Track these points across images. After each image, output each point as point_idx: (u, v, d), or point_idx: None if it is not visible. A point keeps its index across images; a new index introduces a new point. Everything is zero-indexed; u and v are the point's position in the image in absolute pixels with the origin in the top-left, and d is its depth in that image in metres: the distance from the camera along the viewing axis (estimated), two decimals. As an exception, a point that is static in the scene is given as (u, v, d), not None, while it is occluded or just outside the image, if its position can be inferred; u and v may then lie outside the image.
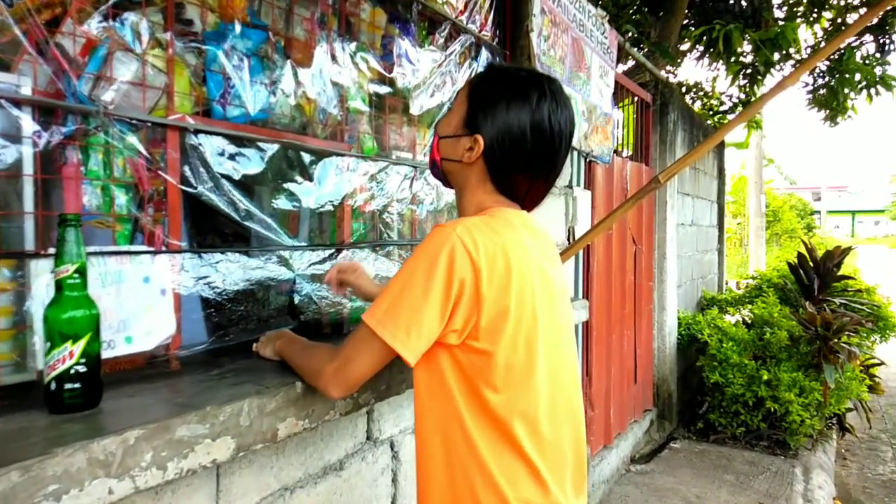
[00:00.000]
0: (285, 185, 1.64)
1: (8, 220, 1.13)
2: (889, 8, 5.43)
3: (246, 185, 1.51)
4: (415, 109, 2.04)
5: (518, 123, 1.17)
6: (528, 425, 1.13)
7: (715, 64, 6.57)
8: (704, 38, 5.62)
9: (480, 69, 2.37)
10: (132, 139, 1.26)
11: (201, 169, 1.40)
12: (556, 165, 1.23)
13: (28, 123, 1.11)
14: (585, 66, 3.34)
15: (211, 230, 1.56)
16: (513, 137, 1.17)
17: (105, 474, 0.91)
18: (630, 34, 5.48)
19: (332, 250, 1.76)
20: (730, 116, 7.24)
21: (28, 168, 1.12)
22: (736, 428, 4.63)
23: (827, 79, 6.55)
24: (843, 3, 6.07)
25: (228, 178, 1.45)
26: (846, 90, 6.31)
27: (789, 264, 5.67)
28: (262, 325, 1.56)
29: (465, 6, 2.34)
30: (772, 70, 6.25)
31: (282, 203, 1.64)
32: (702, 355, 4.86)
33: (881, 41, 6.22)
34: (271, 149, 1.56)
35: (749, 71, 6.49)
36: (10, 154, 1.10)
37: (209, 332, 1.44)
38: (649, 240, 4.87)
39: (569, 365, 1.25)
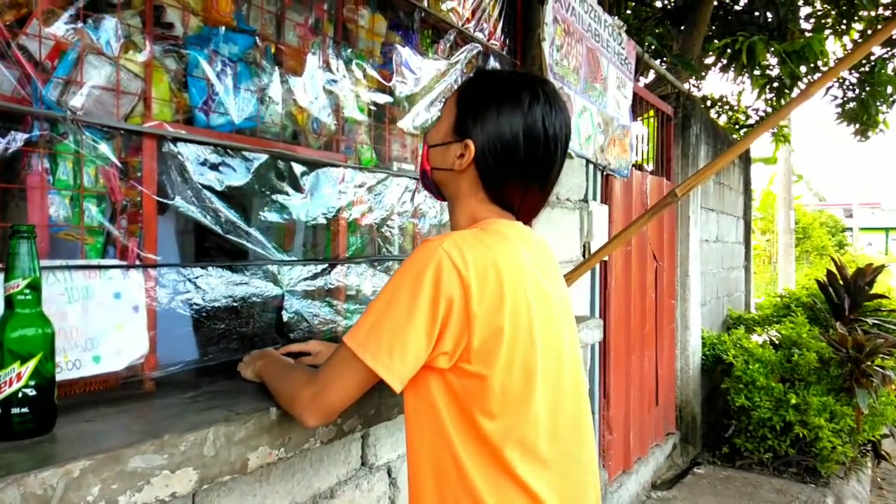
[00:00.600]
0: (274, 197, 1.56)
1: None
2: (922, 17, 5.25)
3: (231, 197, 1.44)
4: (415, 120, 1.95)
5: (510, 128, 1.09)
6: (526, 452, 1.04)
7: (740, 77, 6.43)
8: (728, 50, 5.50)
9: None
10: (104, 147, 1.19)
11: (180, 179, 1.33)
12: (552, 172, 1.15)
13: (-11, 130, 1.05)
14: (601, 77, 3.24)
15: (195, 244, 1.49)
16: (504, 143, 1.10)
17: (42, 510, 0.83)
18: (652, 46, 5.37)
19: (325, 265, 1.67)
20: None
21: (-12, 177, 1.05)
22: (763, 453, 4.43)
23: (857, 92, 6.36)
24: (873, 14, 5.89)
25: (210, 188, 1.38)
26: (877, 103, 6.11)
27: (818, 282, 5.46)
28: (247, 345, 1.48)
29: (473, 14, 2.26)
30: (799, 83, 6.09)
31: (271, 215, 1.57)
32: (727, 377, 4.68)
33: (913, 52, 6.03)
34: (259, 158, 1.49)
35: (776, 84, 6.33)
36: (-32, 162, 1.04)
37: (187, 351, 1.36)
38: (671, 256, 4.72)
39: (573, 386, 1.15)
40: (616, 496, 3.60)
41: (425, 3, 2.01)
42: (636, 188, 4.02)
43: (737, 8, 6.08)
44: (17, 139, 1.08)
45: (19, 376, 0.94)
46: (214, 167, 1.39)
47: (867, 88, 6.07)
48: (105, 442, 0.95)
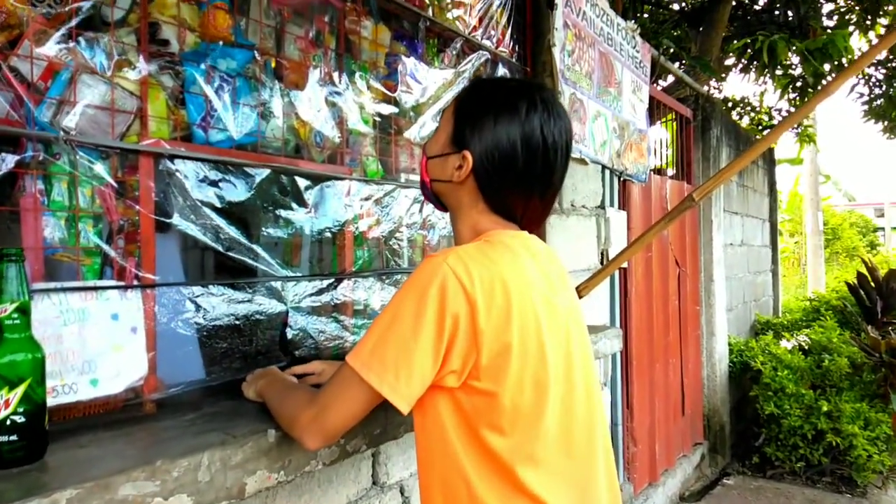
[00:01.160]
0: (278, 212, 1.54)
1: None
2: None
3: (232, 213, 1.42)
4: (422, 130, 1.92)
5: (507, 137, 1.06)
6: (540, 469, 1.01)
7: (762, 78, 6.31)
8: (748, 50, 5.40)
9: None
10: (99, 167, 1.18)
11: (179, 197, 1.31)
12: (553, 180, 1.11)
13: (-20, 152, 1.04)
14: (616, 82, 3.19)
15: (196, 262, 1.47)
16: (503, 152, 1.07)
17: (26, 543, 0.80)
18: (669, 49, 5.29)
19: (331, 280, 1.65)
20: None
21: (-20, 200, 1.04)
22: (795, 462, 4.29)
23: (884, 88, 6.20)
24: (898, 8, 5.73)
25: (210, 205, 1.36)
26: (905, 99, 5.95)
27: (848, 285, 5.31)
28: (251, 364, 1.46)
29: (480, 21, 2.23)
30: (823, 81, 5.94)
31: (274, 231, 1.55)
32: (755, 384, 4.55)
33: (942, 46, 5.85)
34: (260, 174, 1.47)
35: (799, 84, 6.19)
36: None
37: (188, 371, 1.34)
38: (694, 262, 4.62)
39: (586, 400, 1.11)
40: (642, 509, 3.50)
41: (430, 13, 1.99)
42: (655, 193, 3.94)
43: (756, 7, 5.97)
44: (10, 161, 1.06)
45: (7, 403, 0.92)
46: (214, 184, 1.38)
47: (894, 85, 5.90)
48: (96, 469, 0.92)
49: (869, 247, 19.86)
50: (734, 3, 5.58)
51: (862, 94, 6.32)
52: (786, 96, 6.27)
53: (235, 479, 1.06)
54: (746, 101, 7.47)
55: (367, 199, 1.75)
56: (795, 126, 6.85)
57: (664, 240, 4.09)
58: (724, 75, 6.51)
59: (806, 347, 4.86)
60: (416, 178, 1.95)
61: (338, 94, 1.66)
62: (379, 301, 1.78)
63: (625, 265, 3.45)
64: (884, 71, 6.11)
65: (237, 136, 1.42)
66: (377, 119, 1.80)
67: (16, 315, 0.94)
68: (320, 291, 1.62)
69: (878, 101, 6.16)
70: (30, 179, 1.11)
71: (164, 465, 0.96)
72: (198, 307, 1.35)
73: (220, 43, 1.40)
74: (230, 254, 1.40)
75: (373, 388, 0.97)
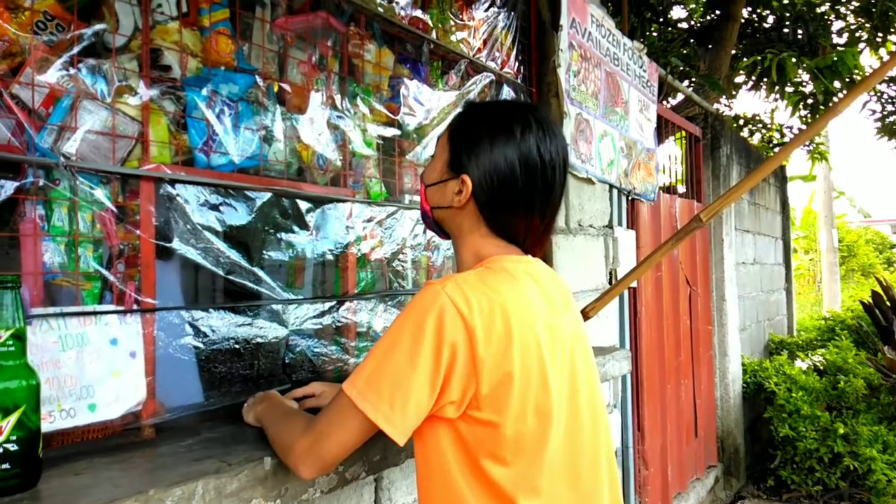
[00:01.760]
0: (279, 235, 1.54)
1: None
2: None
3: (233, 237, 1.42)
4: (426, 152, 1.92)
5: (505, 158, 1.06)
6: (543, 500, 0.99)
7: (772, 95, 6.28)
8: (758, 68, 5.38)
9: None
10: (99, 192, 1.18)
11: (180, 221, 1.31)
12: (552, 199, 1.10)
13: (-20, 179, 1.05)
14: (622, 101, 3.18)
15: (196, 285, 1.47)
16: (501, 174, 1.06)
17: (14, 576, 0.79)
18: (678, 67, 5.29)
19: (333, 302, 1.64)
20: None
21: (-20, 226, 1.05)
22: (811, 486, 4.20)
23: (896, 105, 6.15)
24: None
25: (212, 229, 1.36)
26: (918, 116, 5.90)
27: (863, 304, 5.22)
28: (251, 387, 1.45)
29: (485, 43, 2.24)
30: (834, 98, 5.91)
31: (276, 254, 1.54)
32: (770, 405, 4.47)
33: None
34: (262, 197, 1.47)
35: (810, 101, 6.16)
36: (-41, 211, 1.03)
37: (188, 396, 1.33)
38: (705, 281, 4.57)
39: (592, 427, 1.09)
40: (654, 534, 3.43)
41: (434, 36, 2.00)
42: (665, 212, 3.91)
43: (765, 25, 5.96)
44: (10, 188, 1.07)
45: (0, 431, 0.91)
46: (215, 207, 1.38)
47: (906, 102, 5.86)
48: (88, 498, 0.91)
49: (886, 264, 19.61)
50: (743, 21, 5.57)
51: (874, 111, 6.28)
52: (797, 113, 6.24)
53: (230, 507, 1.05)
54: (758, 118, 7.44)
55: (369, 220, 1.75)
56: (807, 143, 6.81)
57: (674, 259, 4.05)
58: (734, 93, 6.50)
59: (821, 368, 4.78)
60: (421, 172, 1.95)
61: (340, 117, 1.67)
62: (382, 323, 1.77)
63: (634, 285, 3.42)
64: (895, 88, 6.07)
65: (239, 160, 1.43)
66: (380, 141, 1.80)
67: (10, 342, 0.94)
68: (322, 314, 1.61)
69: (891, 118, 6.11)
70: (30, 205, 1.12)
71: (158, 494, 0.95)
72: (198, 331, 1.34)
73: (223, 68, 1.41)
74: (231, 277, 1.40)
75: (368, 418, 0.95)
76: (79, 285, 1.18)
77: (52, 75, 1.13)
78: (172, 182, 1.29)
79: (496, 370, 0.96)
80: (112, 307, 1.20)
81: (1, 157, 1.07)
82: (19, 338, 0.95)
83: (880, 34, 5.81)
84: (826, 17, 5.79)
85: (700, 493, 4.16)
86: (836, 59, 4.85)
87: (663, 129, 4.00)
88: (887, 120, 6.11)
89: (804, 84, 6.07)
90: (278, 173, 1.54)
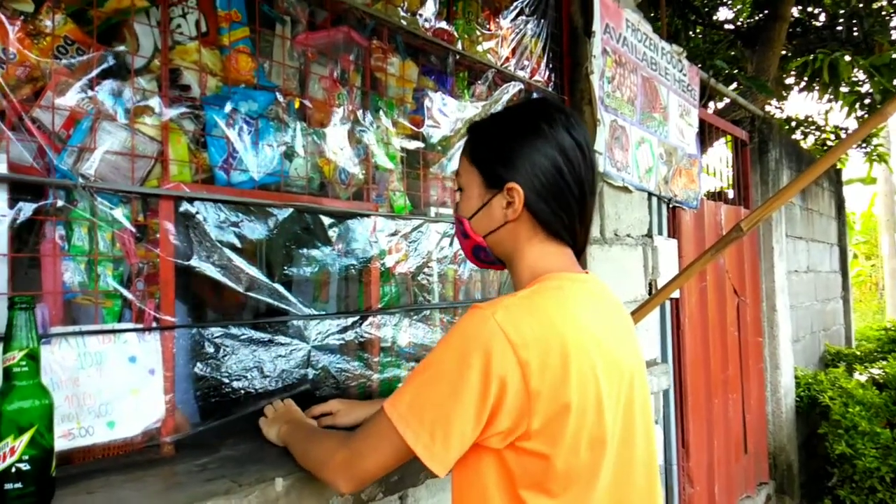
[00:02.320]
0: (302, 251, 1.54)
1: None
2: None
3: (254, 254, 1.42)
4: (450, 163, 1.90)
5: (543, 154, 1.03)
6: None
7: (826, 96, 6.03)
8: (808, 68, 5.18)
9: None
10: (118, 212, 1.20)
11: (200, 239, 1.32)
12: (595, 180, 1.07)
13: (2, 200, 1.07)
14: (661, 107, 3.10)
15: (217, 303, 1.48)
16: (544, 168, 1.02)
17: None
18: (723, 70, 5.14)
19: (356, 317, 1.63)
20: (848, 152, 6.58)
21: (2, 246, 1.07)
22: (872, 507, 3.97)
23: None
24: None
25: (232, 246, 1.37)
26: None
27: (929, 314, 4.93)
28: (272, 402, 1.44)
29: (513, 52, 2.21)
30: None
31: (298, 270, 1.54)
32: (825, 420, 4.26)
33: None
34: (283, 213, 1.47)
35: (867, 101, 5.89)
36: (-19, 233, 1.06)
37: (207, 413, 1.34)
38: (755, 290, 4.40)
39: (645, 459, 1.05)
40: (700, 555, 3.30)
41: (460, 46, 1.98)
42: (709, 220, 3.78)
43: (816, 24, 5.74)
44: (29, 209, 1.09)
45: (13, 451, 0.93)
46: (236, 224, 1.38)
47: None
48: (96, 519, 0.92)
49: (955, 270, 18.54)
50: (792, 21, 5.38)
51: (937, 110, 5.95)
52: (853, 114, 5.97)
53: (240, 529, 1.04)
54: (811, 119, 7.16)
55: (393, 234, 1.73)
56: (863, 145, 6.51)
57: (720, 268, 3.92)
58: (784, 94, 6.27)
59: (881, 381, 4.53)
60: (447, 211, 1.93)
61: (363, 131, 1.66)
62: (407, 338, 1.75)
63: (676, 295, 3.32)
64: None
65: (259, 176, 1.43)
66: (403, 154, 1.79)
67: (24, 362, 0.95)
68: (344, 329, 1.60)
69: (956, 117, 5.79)
70: (50, 225, 1.14)
71: (164, 516, 0.95)
72: (217, 348, 1.35)
73: (243, 86, 1.42)
74: (251, 294, 1.40)
75: (407, 444, 0.92)
76: (99, 304, 1.20)
77: (72, 98, 1.16)
78: (192, 200, 1.30)
79: (551, 403, 0.90)
80: (130, 325, 1.22)
81: (22, 180, 1.09)
82: (33, 357, 0.96)
83: (942, 29, 5.52)
84: (884, 12, 5.53)
85: (750, 512, 3.99)
86: (894, 56, 4.62)
87: (707, 134, 3.88)
88: (952, 119, 5.78)
89: (860, 83, 5.81)
90: (300, 189, 1.54)
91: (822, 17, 5.71)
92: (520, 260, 1.08)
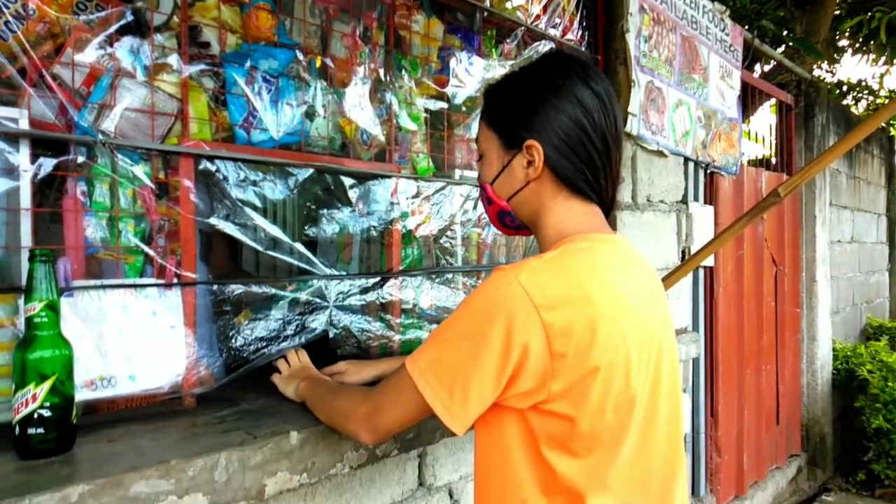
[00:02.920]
0: (322, 211, 1.54)
1: (10, 255, 1.12)
2: None
3: (274, 213, 1.43)
4: (475, 125, 1.87)
5: (561, 110, 1.00)
6: (610, 496, 0.93)
7: (882, 57, 5.73)
8: (863, 29, 4.92)
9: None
10: (138, 168, 1.21)
11: (220, 197, 1.33)
12: (620, 131, 1.04)
13: (25, 156, 1.09)
14: (701, 67, 2.98)
15: (238, 260, 1.50)
16: (564, 124, 0.99)
17: (37, 535, 0.83)
18: (770, 31, 4.91)
19: (377, 279, 1.63)
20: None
21: (25, 201, 1.09)
22: (909, 483, 3.89)
23: None
24: None
25: (252, 205, 1.38)
26: None
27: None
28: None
29: (545, 9, 2.14)
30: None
31: (318, 230, 1.55)
32: (862, 394, 4.16)
33: None
34: (303, 173, 1.47)
35: (926, 63, 5.57)
36: (5, 186, 1.08)
37: (230, 369, 1.36)
38: (794, 260, 4.27)
39: (670, 424, 1.03)
40: (726, 524, 3.29)
41: (488, 3, 1.92)
42: (749, 186, 3.67)
43: (874, -20, 5.42)
44: (52, 164, 1.11)
45: (34, 397, 0.96)
46: (256, 184, 1.39)
47: None
48: (113, 465, 0.95)
49: None
50: (848, -23, 5.10)
51: None
52: (910, 77, 5.66)
53: (254, 479, 1.06)
54: (864, 84, 6.83)
55: (416, 196, 1.72)
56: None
57: (759, 236, 3.81)
58: (836, 57, 5.98)
59: (924, 356, 4.38)
60: (471, 174, 1.90)
61: (386, 90, 1.64)
62: (429, 300, 1.75)
63: (711, 263, 3.24)
64: None
65: (279, 135, 1.43)
66: (427, 115, 1.76)
67: (44, 313, 0.98)
68: (365, 290, 1.60)
69: None
70: (71, 181, 1.16)
71: (179, 464, 0.97)
72: (237, 305, 1.37)
73: (263, 43, 1.41)
74: (271, 253, 1.41)
75: (426, 401, 0.93)
76: (121, 259, 1.22)
77: (91, 54, 1.16)
78: (212, 158, 1.31)
79: (577, 366, 0.89)
80: (152, 280, 1.24)
81: (44, 136, 1.11)
82: (53, 309, 0.99)
83: None
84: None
85: (780, 483, 3.95)
86: (956, 15, 4.35)
87: (751, 98, 3.73)
88: None
89: (919, 44, 5.50)
90: (321, 149, 1.54)
91: (881, -27, 5.39)
92: (545, 221, 1.05)
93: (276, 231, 1.42)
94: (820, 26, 4.87)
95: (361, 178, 1.60)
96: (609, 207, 1.07)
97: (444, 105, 1.79)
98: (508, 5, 2.00)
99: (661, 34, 2.66)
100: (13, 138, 1.08)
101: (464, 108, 1.85)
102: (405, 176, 1.69)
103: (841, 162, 4.94)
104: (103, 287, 1.17)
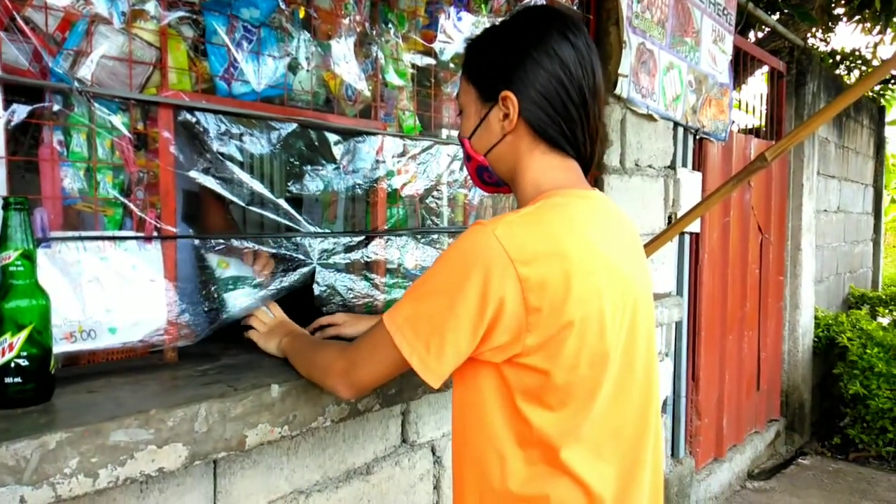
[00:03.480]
0: (306, 167, 1.52)
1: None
2: None
3: (255, 168, 1.41)
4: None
5: (537, 60, 0.98)
6: (584, 448, 0.95)
7: (876, 27, 5.68)
8: (858, -4, 4.87)
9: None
10: (115, 119, 1.19)
11: (200, 149, 1.31)
12: (598, 83, 1.02)
13: (-3, 103, 1.06)
14: (693, 31, 2.95)
15: (219, 215, 1.48)
16: (539, 74, 0.98)
17: (15, 481, 0.83)
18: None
19: (361, 238, 1.62)
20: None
21: (-1, 149, 1.07)
22: (882, 447, 4.00)
23: None
24: None
25: (233, 159, 1.36)
26: None
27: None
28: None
29: (536, -34, 2.09)
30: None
31: (303, 187, 1.53)
32: (841, 361, 4.24)
33: None
34: (286, 128, 1.44)
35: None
36: (-22, 135, 1.05)
37: (209, 323, 1.35)
38: (780, 228, 4.30)
39: (644, 381, 1.04)
40: (704, 485, 3.37)
41: (477, -43, 1.88)
42: (738, 153, 3.67)
43: (871, -54, 5.35)
44: (25, 111, 1.08)
45: (11, 346, 0.95)
46: (237, 137, 1.36)
47: None
48: (92, 414, 0.95)
49: None
50: (845, -57, 5.03)
51: None
52: (903, 47, 5.64)
53: (235, 431, 1.07)
54: (857, 53, 6.79)
55: (402, 155, 1.70)
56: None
57: (746, 204, 3.82)
58: (830, 25, 5.92)
59: (903, 324, 4.47)
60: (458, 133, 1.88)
61: (372, 44, 1.61)
62: (413, 260, 1.75)
63: (696, 230, 3.25)
64: None
65: (261, 88, 1.40)
66: (414, 72, 1.73)
67: (20, 262, 0.96)
68: (349, 249, 1.59)
69: None
70: (47, 130, 1.14)
71: (159, 414, 0.97)
72: (219, 260, 1.35)
73: (244, -9, 1.37)
74: (252, 208, 1.40)
75: (403, 355, 0.93)
76: (99, 211, 1.20)
77: (68, -1, 1.12)
78: (192, 110, 1.28)
79: (551, 321, 0.89)
80: (131, 233, 1.22)
81: (16, 81, 1.08)
82: (29, 258, 0.98)
83: None
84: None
85: (758, 447, 4.04)
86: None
87: (742, 65, 3.70)
88: None
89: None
90: (304, 103, 1.51)
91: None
92: (522, 176, 1.04)
93: (258, 186, 1.40)
94: (815, -8, 4.81)
95: (346, 135, 1.57)
96: (588, 164, 1.06)
97: (432, 61, 1.76)
98: (499, -40, 1.95)
99: (654, -5, 2.62)
100: (-16, 84, 1.05)
101: (451, 65, 1.82)
102: (391, 134, 1.67)
103: (830, 131, 4.95)
104: (81, 239, 1.15)
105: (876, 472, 3.92)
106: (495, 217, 0.94)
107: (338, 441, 1.53)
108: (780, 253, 4.30)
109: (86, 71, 1.15)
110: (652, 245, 2.30)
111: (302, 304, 1.49)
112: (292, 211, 1.46)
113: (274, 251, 1.45)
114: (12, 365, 0.96)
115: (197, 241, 1.33)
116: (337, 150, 1.56)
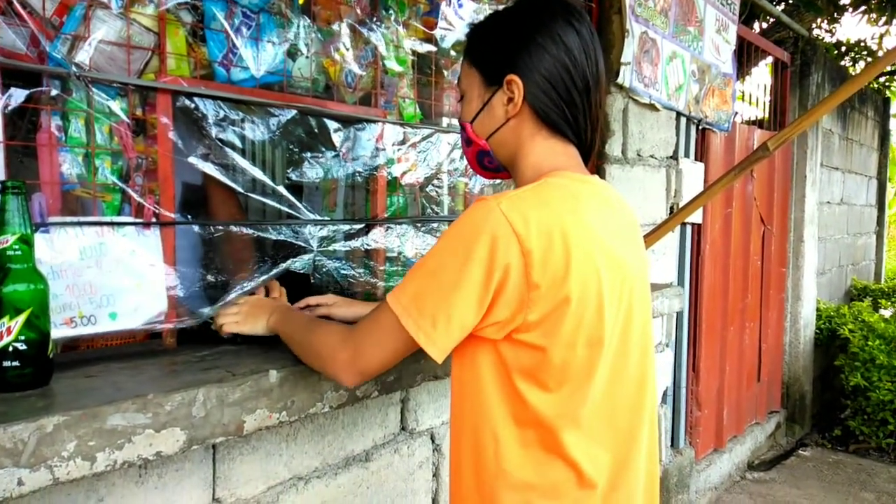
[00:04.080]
0: (306, 155, 1.52)
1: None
2: None
3: (254, 154, 1.41)
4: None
5: (541, 45, 0.99)
6: (580, 432, 0.95)
7: (882, 17, 5.64)
8: (864, -14, 4.83)
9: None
10: (114, 104, 1.18)
11: (198, 136, 1.30)
12: (601, 70, 1.03)
13: (-5, 87, 1.06)
14: (696, 20, 2.93)
15: (218, 202, 1.48)
16: (544, 59, 0.99)
17: (13, 464, 0.83)
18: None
19: (361, 225, 1.62)
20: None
21: (-3, 134, 1.07)
22: (882, 439, 4.00)
23: None
24: None
25: (232, 145, 1.35)
26: None
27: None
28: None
29: (538, -46, 2.08)
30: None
31: (302, 174, 1.52)
32: (842, 353, 4.24)
33: None
34: (285, 115, 1.44)
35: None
36: (-25, 119, 1.05)
37: (208, 308, 1.35)
38: (783, 220, 4.29)
39: (639, 364, 1.04)
40: (704, 475, 3.38)
41: (479, -56, 1.86)
42: (740, 144, 3.65)
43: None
44: (23, 95, 1.08)
45: (9, 331, 0.95)
46: (236, 123, 1.36)
47: None
48: (89, 398, 0.95)
49: None
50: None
51: None
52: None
53: (233, 416, 1.07)
54: (863, 44, 6.75)
55: (402, 143, 1.69)
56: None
57: (749, 195, 3.81)
58: (836, 16, 5.88)
59: (905, 317, 4.46)
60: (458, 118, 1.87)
61: (371, 31, 1.60)
62: (413, 249, 1.75)
63: (698, 221, 3.25)
64: None
65: (260, 74, 1.39)
66: (414, 59, 1.72)
67: (17, 246, 0.96)
68: (349, 237, 1.59)
69: None
70: (45, 115, 1.13)
71: (157, 399, 0.97)
72: (217, 247, 1.35)
73: (243, -23, 1.36)
74: (254, 195, 1.40)
75: (409, 335, 0.93)
76: (98, 196, 1.20)
77: (65, -18, 1.12)
78: (190, 96, 1.28)
79: (550, 297, 0.90)
80: (130, 219, 1.22)
81: (13, 65, 1.08)
82: (27, 242, 0.98)
83: None
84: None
85: (758, 438, 4.05)
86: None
87: (746, 55, 3.68)
88: None
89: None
90: (304, 90, 1.51)
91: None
92: (523, 160, 1.05)
93: (258, 173, 1.39)
94: (821, -18, 4.78)
95: (346, 123, 1.57)
96: (588, 152, 1.07)
97: (433, 48, 1.75)
98: (500, -53, 1.94)
99: (657, -17, 2.60)
100: (-18, 68, 1.05)
101: (452, 53, 1.81)
102: (391, 121, 1.66)
103: (834, 122, 4.92)
104: (80, 224, 1.15)
105: (876, 464, 3.93)
106: (499, 193, 0.95)
107: (337, 428, 1.54)
108: (782, 244, 4.29)
109: (84, 56, 1.15)
110: (653, 235, 2.30)
111: (300, 291, 1.49)
112: (292, 198, 1.46)
113: (274, 237, 1.44)
114: (10, 349, 0.96)
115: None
116: (337, 138, 1.55)
